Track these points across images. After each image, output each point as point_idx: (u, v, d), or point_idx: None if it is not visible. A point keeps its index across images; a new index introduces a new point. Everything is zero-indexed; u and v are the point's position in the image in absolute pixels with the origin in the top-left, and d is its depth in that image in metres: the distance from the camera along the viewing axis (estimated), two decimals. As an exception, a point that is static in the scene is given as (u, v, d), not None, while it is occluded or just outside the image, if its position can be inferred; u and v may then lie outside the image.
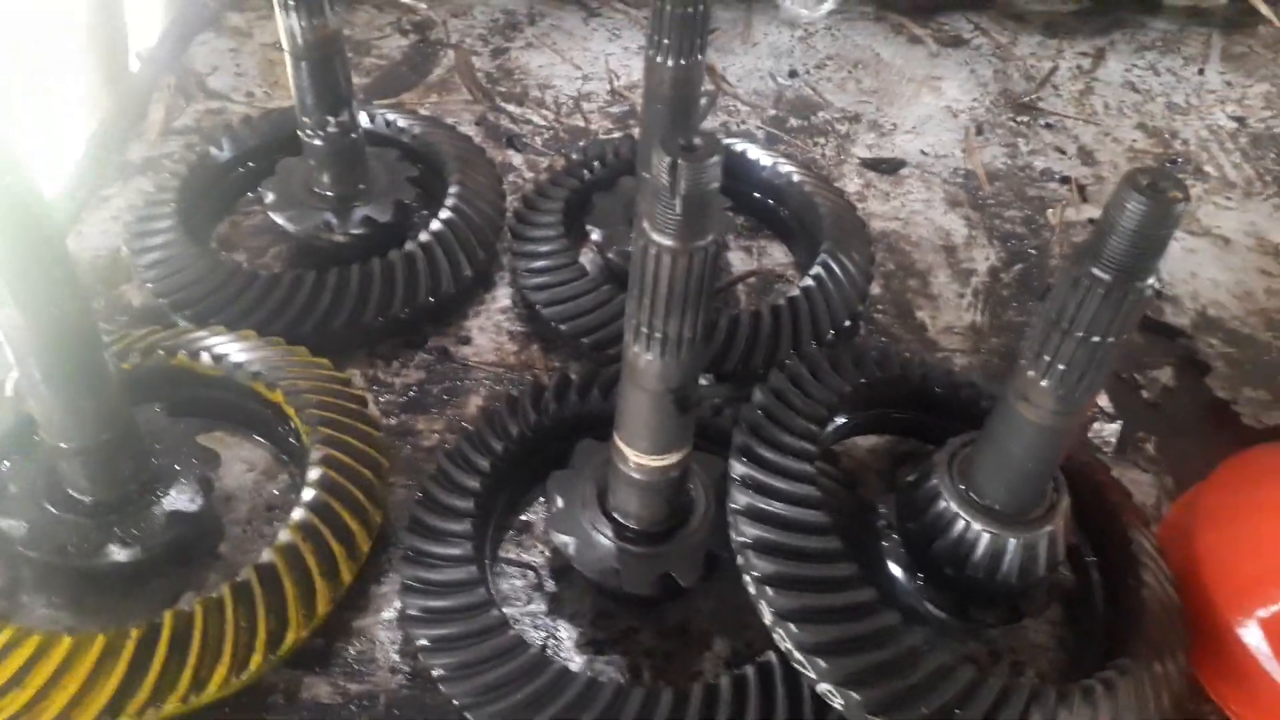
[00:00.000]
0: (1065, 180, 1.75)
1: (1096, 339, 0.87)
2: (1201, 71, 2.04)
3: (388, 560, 1.14)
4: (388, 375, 1.34)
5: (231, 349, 1.22)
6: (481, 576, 1.06)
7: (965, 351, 1.45)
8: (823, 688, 0.94)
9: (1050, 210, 1.69)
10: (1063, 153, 1.81)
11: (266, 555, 1.03)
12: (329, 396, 1.19)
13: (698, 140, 0.79)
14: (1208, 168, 1.81)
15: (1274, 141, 1.87)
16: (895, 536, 1.11)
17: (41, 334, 0.92)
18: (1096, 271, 0.84)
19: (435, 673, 1.00)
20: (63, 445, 1.01)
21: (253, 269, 1.36)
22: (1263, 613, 1.05)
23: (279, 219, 1.43)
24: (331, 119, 1.36)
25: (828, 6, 2.03)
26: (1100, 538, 1.16)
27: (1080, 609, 1.15)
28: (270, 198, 1.44)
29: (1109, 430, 1.35)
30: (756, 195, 1.59)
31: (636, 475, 1.03)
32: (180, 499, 1.09)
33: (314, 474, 1.10)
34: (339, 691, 1.04)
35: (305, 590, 1.03)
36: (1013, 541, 1.02)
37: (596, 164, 1.55)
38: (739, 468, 1.05)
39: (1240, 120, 1.92)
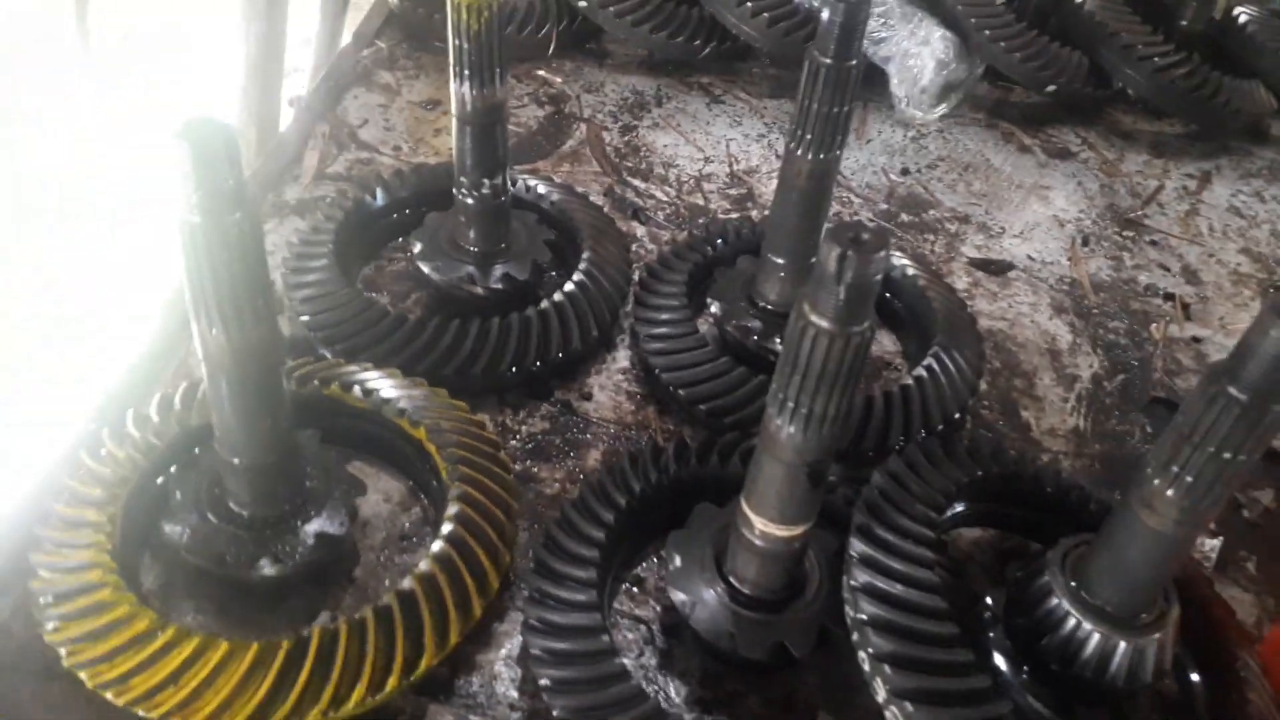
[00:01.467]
0: (1170, 297, 1.79)
1: (1227, 455, 0.91)
2: (1309, 201, 2.07)
3: (510, 599, 1.20)
4: (514, 423, 1.42)
5: (381, 385, 1.30)
6: (603, 624, 1.11)
7: (1068, 454, 1.49)
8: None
9: (1154, 325, 1.72)
10: (1167, 270, 1.85)
11: (407, 583, 1.10)
12: (467, 438, 1.26)
13: (866, 235, 0.86)
14: (1313, 297, 1.83)
15: (1383, 276, 1.90)
16: (1001, 629, 1.14)
17: (238, 356, 1.00)
18: (1233, 391, 0.89)
19: (555, 713, 1.05)
20: (234, 461, 1.10)
21: (400, 312, 1.45)
22: (1370, 742, 1.06)
23: (425, 268, 1.53)
24: (487, 181, 1.45)
25: (941, 111, 2.10)
26: (1205, 652, 1.18)
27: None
28: (418, 247, 1.54)
29: (1209, 545, 1.37)
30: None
31: (760, 543, 1.08)
32: (328, 523, 1.16)
33: (452, 510, 1.17)
34: (461, 721, 1.09)
35: (440, 619, 1.09)
36: (1122, 644, 1.05)
37: (719, 241, 1.63)
38: (859, 546, 1.10)
39: (1350, 251, 1.95)
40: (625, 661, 1.14)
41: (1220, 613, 1.20)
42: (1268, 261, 1.91)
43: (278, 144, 1.83)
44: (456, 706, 1.10)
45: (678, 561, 1.17)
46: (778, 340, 1.48)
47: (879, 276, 0.87)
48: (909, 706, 0.98)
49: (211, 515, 1.14)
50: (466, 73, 1.35)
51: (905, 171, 2.01)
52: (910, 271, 1.61)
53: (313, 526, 1.15)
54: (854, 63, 1.25)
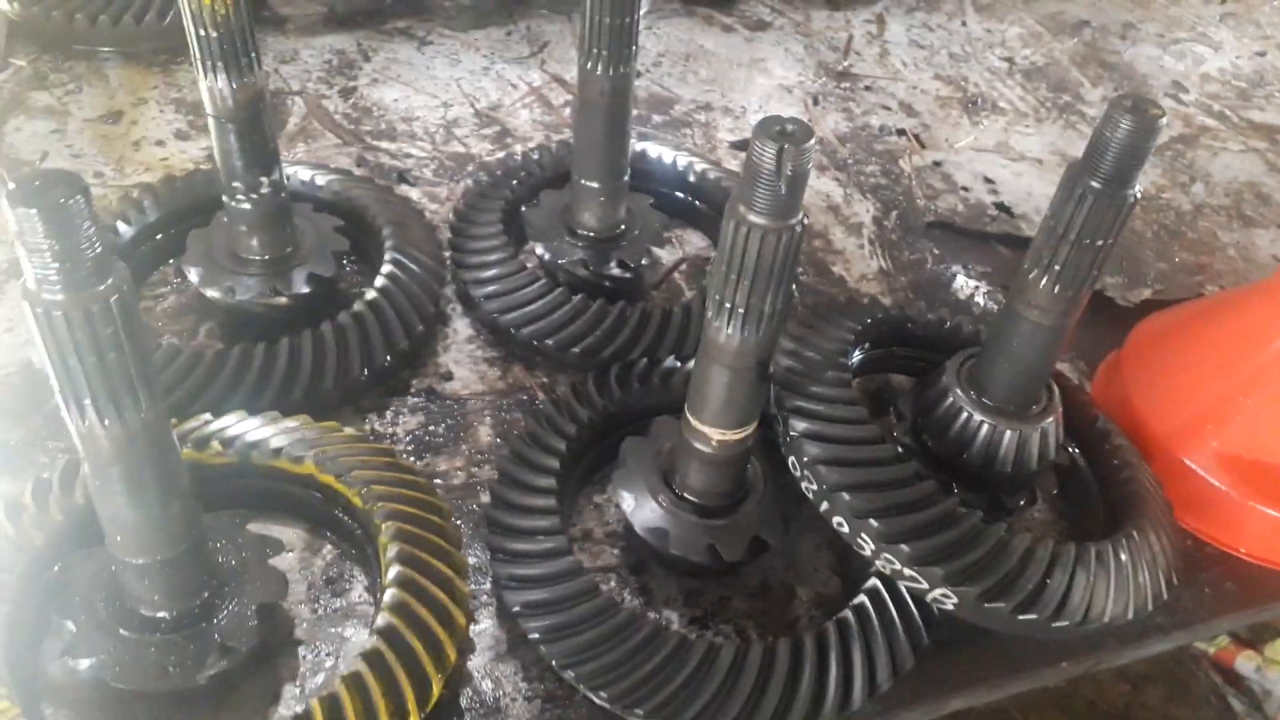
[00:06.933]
0: (901, 132, 1.97)
1: (1087, 241, 1.04)
2: (964, 24, 2.35)
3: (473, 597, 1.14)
4: (386, 426, 1.32)
5: (240, 429, 1.15)
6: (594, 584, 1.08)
7: (883, 293, 1.62)
8: (934, 593, 1.06)
9: (900, 160, 1.90)
10: (888, 109, 2.04)
11: (371, 643, 0.99)
12: (363, 455, 1.16)
13: (792, 127, 0.88)
14: (1001, 104, 2.10)
15: (1041, 74, 2.21)
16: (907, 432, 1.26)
17: (133, 443, 0.85)
18: (1092, 183, 1.01)
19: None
20: (141, 561, 0.93)
21: (199, 348, 1.28)
22: (1215, 444, 1.29)
23: (213, 293, 1.35)
24: (265, 179, 1.30)
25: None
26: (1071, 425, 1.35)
27: (1073, 487, 1.34)
28: (195, 273, 1.36)
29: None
30: (664, 189, 1.67)
31: (713, 451, 1.09)
32: (263, 593, 1.03)
33: (392, 551, 1.06)
34: (484, 734, 1.03)
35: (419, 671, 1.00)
36: (1008, 433, 1.18)
37: (514, 183, 1.58)
38: (800, 425, 1.14)
39: (1009, 60, 2.24)
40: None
41: (1066, 384, 1.38)
42: (957, 81, 2.15)
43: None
44: (474, 721, 1.04)
45: (630, 501, 1.16)
46: (611, 265, 1.48)
47: (810, 165, 0.89)
48: (904, 548, 1.04)
49: (126, 631, 0.97)
50: (220, 64, 1.18)
51: (637, 74, 2.03)
52: (699, 167, 1.65)
53: (246, 604, 1.01)
54: (639, -32, 1.24)
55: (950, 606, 1.05)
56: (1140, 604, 1.10)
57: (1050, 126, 2.05)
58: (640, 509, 1.15)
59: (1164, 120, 0.97)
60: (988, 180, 1.88)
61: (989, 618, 1.04)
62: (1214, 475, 1.29)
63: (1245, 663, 2.49)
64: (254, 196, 1.31)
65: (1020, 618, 1.03)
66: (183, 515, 0.93)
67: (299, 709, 0.95)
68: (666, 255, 1.62)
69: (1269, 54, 2.39)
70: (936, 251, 1.70)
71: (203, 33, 1.16)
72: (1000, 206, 1.82)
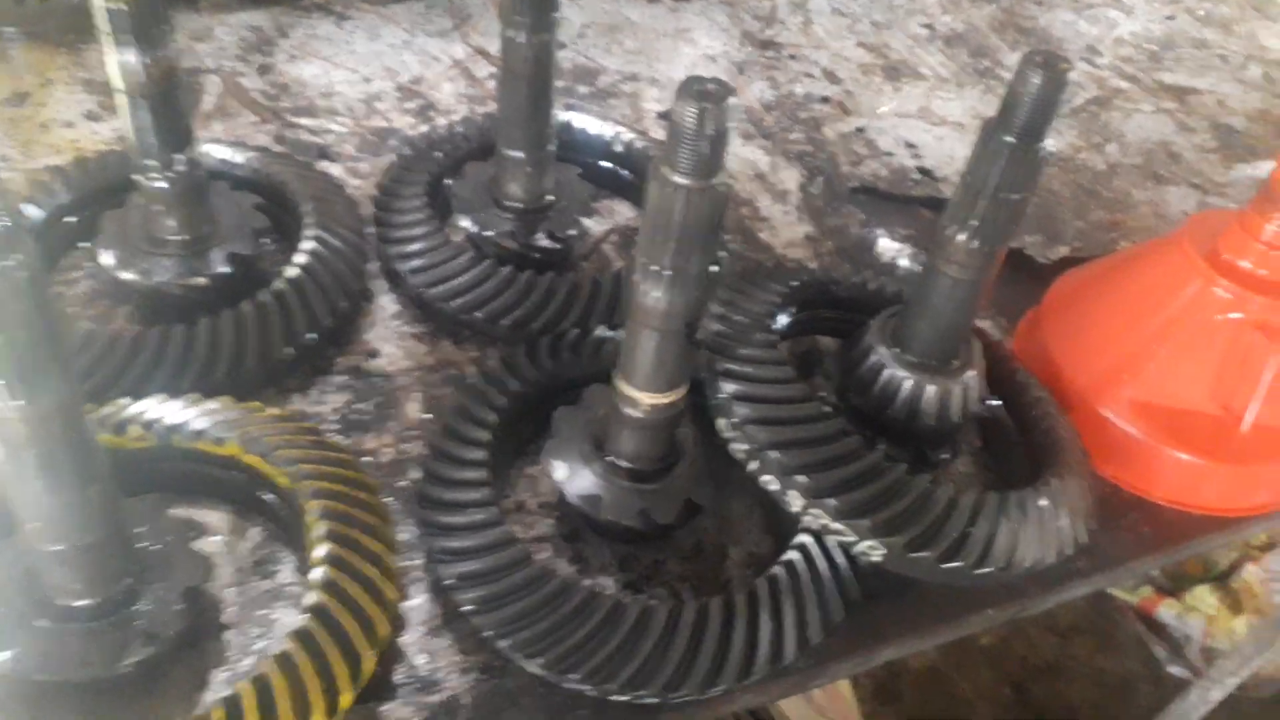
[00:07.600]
0: (825, 100, 1.98)
1: (1003, 196, 1.06)
2: (885, -9, 2.37)
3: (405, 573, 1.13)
4: (312, 405, 1.30)
5: (160, 413, 1.12)
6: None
7: (810, 258, 1.64)
8: (862, 546, 1.08)
9: (824, 127, 1.92)
10: (812, 77, 2.05)
11: (301, 622, 0.98)
12: (288, 434, 1.14)
13: (711, 86, 0.88)
14: (923, 70, 2.13)
15: (961, 40, 2.24)
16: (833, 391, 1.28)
17: (46, 424, 0.82)
18: (1006, 138, 1.03)
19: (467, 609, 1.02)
20: (59, 548, 0.91)
21: (115, 333, 1.24)
22: (1129, 393, 1.33)
23: (129, 276, 1.31)
24: (180, 157, 1.26)
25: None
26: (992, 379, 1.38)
27: (995, 439, 1.37)
28: (110, 256, 1.32)
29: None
30: (591, 160, 1.66)
31: (646, 415, 1.10)
32: (186, 578, 1.01)
33: (320, 529, 1.04)
34: (421, 708, 1.03)
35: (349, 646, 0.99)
36: (930, 387, 1.21)
37: (440, 155, 1.56)
38: (729, 387, 1.15)
39: (930, 27, 2.27)
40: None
41: (986, 340, 1.41)
42: (880, 49, 2.17)
43: None
44: (409, 696, 1.03)
45: (563, 470, 1.16)
46: (539, 236, 1.47)
47: (732, 124, 0.89)
48: (832, 502, 1.06)
49: (45, 621, 0.94)
50: (129, 38, 1.14)
51: (561, 45, 2.01)
52: (626, 136, 1.64)
53: (170, 589, 0.99)
54: (557, -70, 1.22)
55: (878, 558, 1.07)
56: (1061, 548, 1.14)
57: (970, 91, 2.08)
58: (573, 477, 1.15)
59: (1072, 74, 0.99)
60: (910, 145, 1.91)
61: (916, 567, 1.07)
62: (1128, 423, 1.33)
63: (1166, 610, 2.59)
64: (169, 174, 1.27)
65: (945, 566, 1.06)
66: (101, 499, 0.91)
67: (228, 693, 0.94)
68: (595, 225, 1.62)
69: (1178, 18, 2.46)
70: (861, 216, 1.73)
71: (113, 6, 1.12)
72: (923, 170, 1.84)
